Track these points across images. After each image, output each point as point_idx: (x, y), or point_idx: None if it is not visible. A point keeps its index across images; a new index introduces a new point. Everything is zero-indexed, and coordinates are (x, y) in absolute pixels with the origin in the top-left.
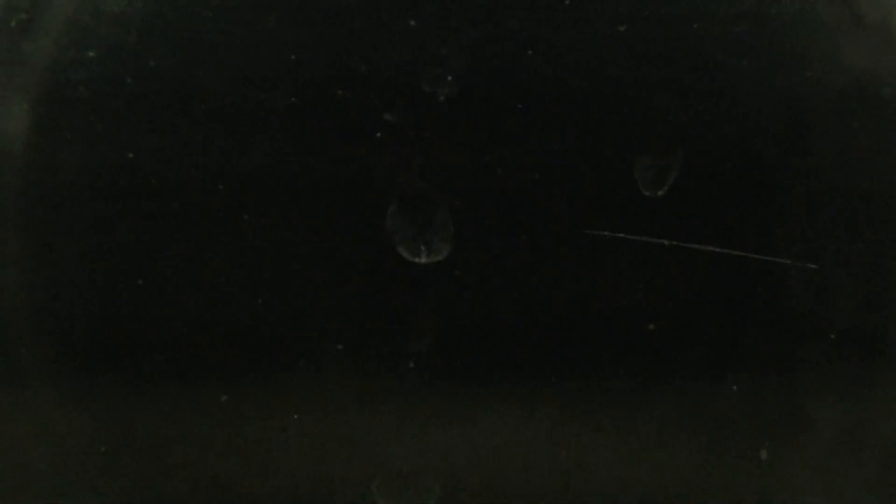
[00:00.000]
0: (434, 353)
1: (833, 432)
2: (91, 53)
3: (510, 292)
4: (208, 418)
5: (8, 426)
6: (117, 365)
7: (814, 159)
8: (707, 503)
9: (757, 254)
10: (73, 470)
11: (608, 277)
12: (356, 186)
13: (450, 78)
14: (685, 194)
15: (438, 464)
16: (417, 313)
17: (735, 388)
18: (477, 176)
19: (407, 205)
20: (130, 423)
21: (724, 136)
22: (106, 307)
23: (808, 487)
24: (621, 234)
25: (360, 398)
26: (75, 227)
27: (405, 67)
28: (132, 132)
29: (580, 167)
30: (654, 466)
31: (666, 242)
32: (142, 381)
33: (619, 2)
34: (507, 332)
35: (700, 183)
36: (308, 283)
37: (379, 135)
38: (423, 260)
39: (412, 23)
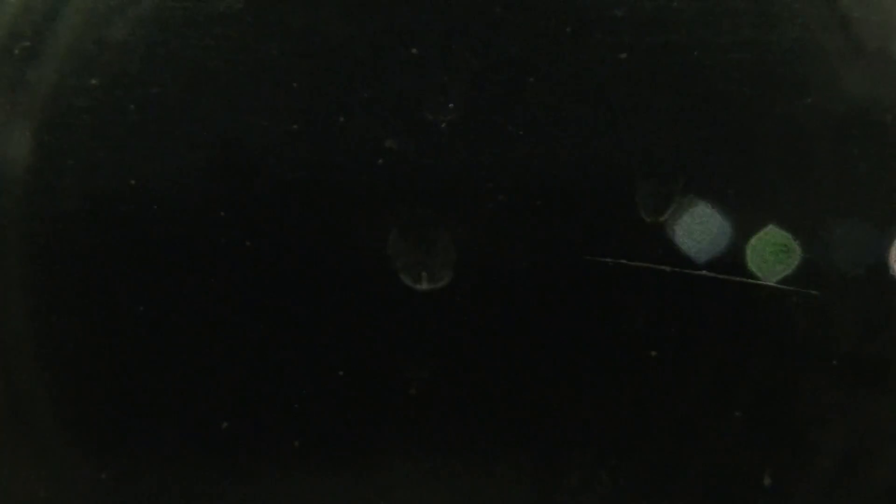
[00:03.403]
0: (435, 379)
1: (836, 458)
2: (94, 81)
3: (511, 318)
4: (209, 445)
5: (7, 451)
6: (117, 390)
7: (815, 186)
8: None
9: (758, 280)
10: (73, 497)
11: (610, 304)
12: (358, 213)
13: (451, 105)
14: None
15: (439, 490)
16: (419, 340)
17: (737, 414)
18: (478, 202)
19: (408, 231)
20: (130, 449)
21: (725, 162)
22: (107, 333)
23: None
24: (623, 261)
25: (360, 424)
26: (77, 254)
27: (407, 94)
28: (134, 159)
29: (581, 193)
30: (657, 493)
31: (668, 269)
32: (142, 407)
33: (620, 30)
34: (507, 358)
35: (698, 209)
36: (309, 308)
37: (381, 161)
38: (425, 286)
39: (414, 50)
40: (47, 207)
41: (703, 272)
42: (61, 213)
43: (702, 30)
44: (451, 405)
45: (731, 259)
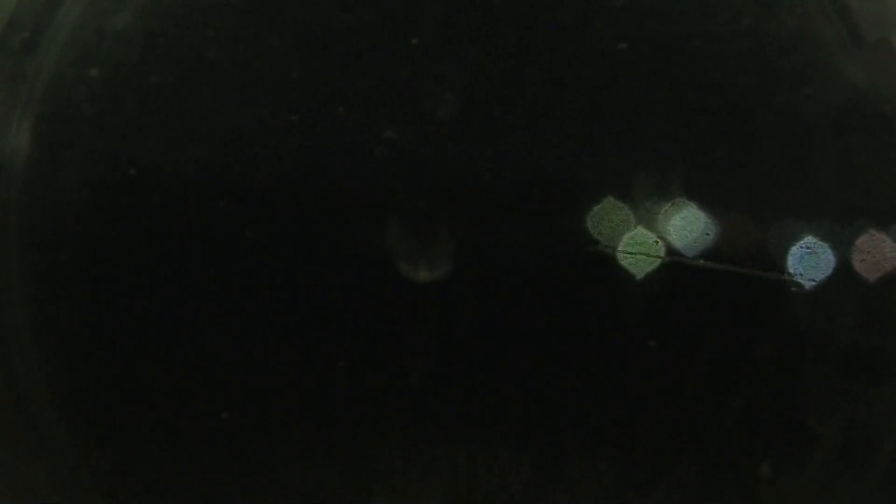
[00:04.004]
0: (436, 369)
1: (835, 448)
2: (93, 71)
3: (511, 308)
4: (209, 435)
5: (8, 444)
6: (117, 380)
7: (813, 176)
8: None
9: (757, 270)
10: (75, 490)
11: (608, 294)
12: (357, 203)
13: (451, 95)
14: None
15: (440, 482)
16: (419, 330)
17: (736, 403)
18: (478, 193)
19: (408, 222)
20: (132, 440)
21: (724, 153)
22: (107, 324)
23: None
24: (621, 250)
25: (361, 415)
26: (76, 244)
27: (406, 85)
28: (134, 149)
29: (580, 184)
30: (655, 483)
31: (667, 259)
32: (141, 397)
33: (619, 20)
34: (507, 348)
35: (700, 200)
36: (308, 299)
37: (380, 152)
38: (424, 277)
39: (414, 41)
40: (46, 198)
41: (701, 262)
42: (60, 204)
43: (701, 19)
44: (450, 395)
45: (727, 250)
